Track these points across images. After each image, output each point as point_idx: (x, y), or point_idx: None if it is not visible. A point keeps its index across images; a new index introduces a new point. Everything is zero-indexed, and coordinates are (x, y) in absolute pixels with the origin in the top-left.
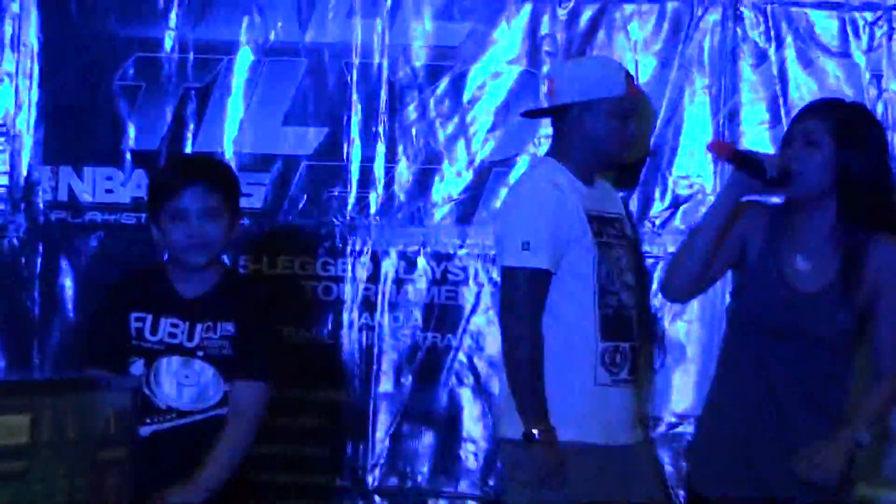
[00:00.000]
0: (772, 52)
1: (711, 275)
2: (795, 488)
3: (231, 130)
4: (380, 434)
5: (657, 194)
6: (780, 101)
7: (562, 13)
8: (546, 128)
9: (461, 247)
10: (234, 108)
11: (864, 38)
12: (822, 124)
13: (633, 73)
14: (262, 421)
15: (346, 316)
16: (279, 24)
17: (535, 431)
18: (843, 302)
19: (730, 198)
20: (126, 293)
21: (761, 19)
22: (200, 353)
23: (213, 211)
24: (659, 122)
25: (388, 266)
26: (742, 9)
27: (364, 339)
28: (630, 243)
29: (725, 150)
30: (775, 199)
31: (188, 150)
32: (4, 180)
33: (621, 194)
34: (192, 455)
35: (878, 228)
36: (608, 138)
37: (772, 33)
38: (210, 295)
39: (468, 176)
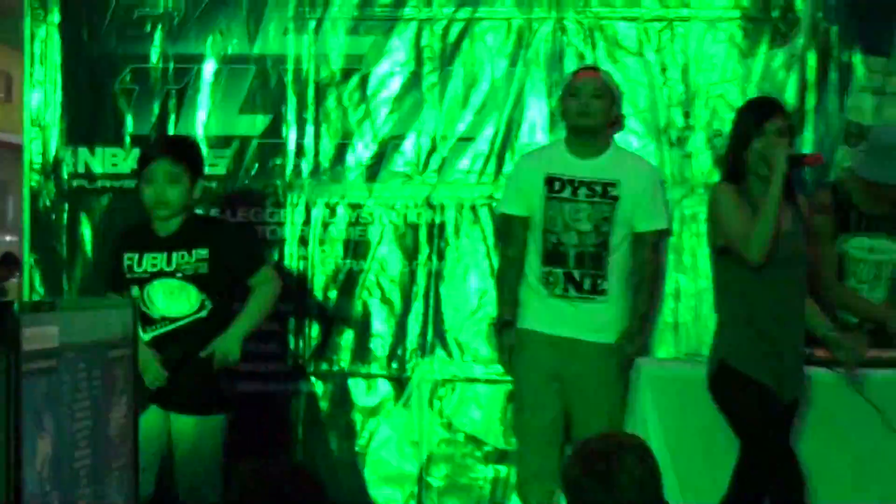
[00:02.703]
0: (588, 52)
1: None
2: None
3: (202, 118)
4: (314, 333)
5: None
6: None
7: (437, 29)
8: (428, 113)
9: (369, 199)
10: (203, 103)
11: (654, 41)
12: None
13: (488, 71)
14: (280, 286)
15: (287, 249)
16: (234, 41)
17: (502, 319)
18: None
19: (782, 177)
20: (120, 241)
21: (580, 29)
22: (179, 275)
23: (174, 176)
24: (506, 113)
25: (317, 213)
26: (566, 22)
27: (300, 265)
28: (610, 202)
29: (815, 159)
30: None
31: (167, 132)
32: (39, 158)
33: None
34: (184, 348)
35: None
36: (565, 114)
37: (588, 40)
38: (180, 232)
39: (373, 148)
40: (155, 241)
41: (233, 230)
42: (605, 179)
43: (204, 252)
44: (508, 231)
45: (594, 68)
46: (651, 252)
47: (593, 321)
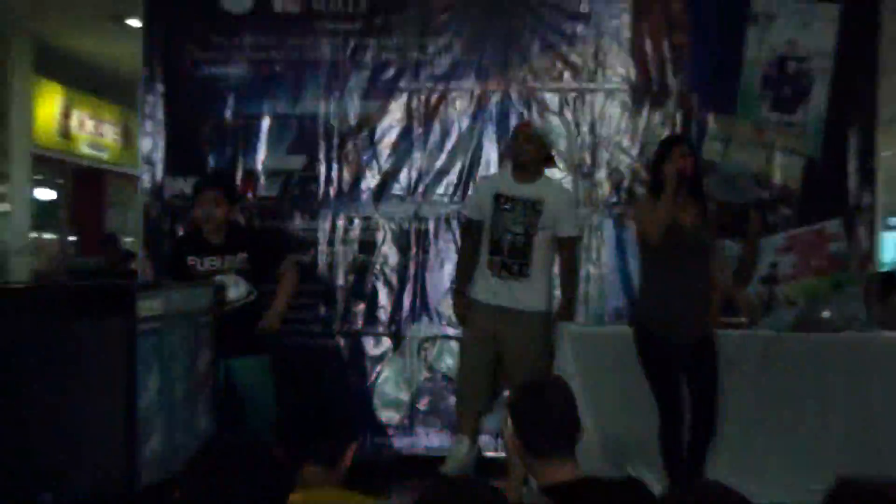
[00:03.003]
0: (525, 113)
1: None
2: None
3: (261, 157)
4: (339, 306)
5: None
6: None
7: (422, 97)
8: (416, 154)
9: (375, 213)
10: (262, 147)
11: (571, 105)
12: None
13: (457, 126)
14: (297, 276)
15: (319, 248)
16: (282, 104)
17: (457, 289)
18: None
19: (673, 183)
20: (179, 247)
21: (521, 97)
22: (231, 271)
23: (217, 201)
24: (470, 154)
25: (339, 223)
26: (511, 92)
27: (328, 259)
28: (537, 214)
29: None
30: None
31: (239, 169)
32: (149, 185)
33: None
34: (242, 322)
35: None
36: (510, 152)
37: (526, 104)
38: (227, 241)
39: (378, 178)
40: (210, 247)
41: (262, 236)
42: (534, 198)
43: (244, 254)
44: (468, 229)
45: (528, 123)
46: (569, 251)
47: (519, 295)
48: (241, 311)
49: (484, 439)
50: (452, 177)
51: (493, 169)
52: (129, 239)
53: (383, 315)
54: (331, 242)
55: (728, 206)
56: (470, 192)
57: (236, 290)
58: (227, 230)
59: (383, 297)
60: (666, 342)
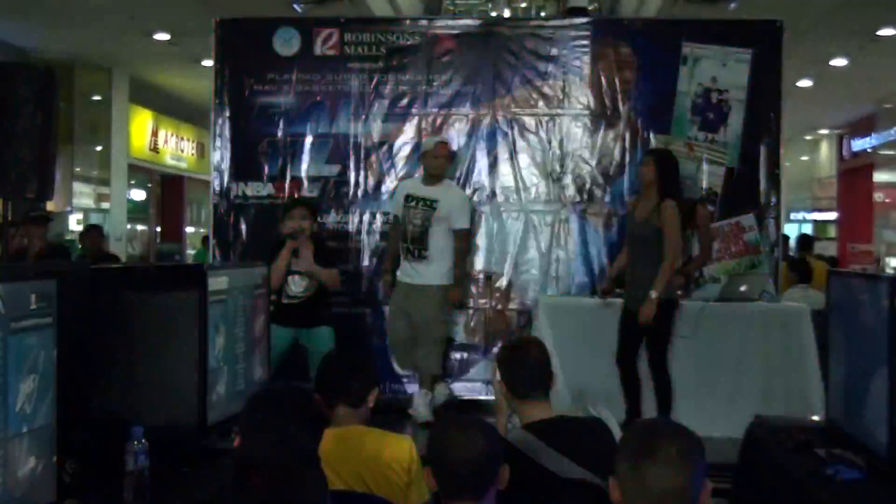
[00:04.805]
0: (509, 132)
1: None
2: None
3: (305, 167)
4: (364, 280)
5: None
6: (516, 158)
7: (429, 120)
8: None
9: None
10: (306, 158)
11: (545, 127)
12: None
13: (456, 142)
14: (337, 279)
15: (349, 237)
16: (322, 125)
17: (385, 270)
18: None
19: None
20: (273, 249)
21: (505, 120)
22: (304, 273)
23: (303, 215)
24: (466, 164)
25: (366, 218)
26: (497, 117)
27: (357, 246)
28: (431, 210)
29: None
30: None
31: (286, 174)
32: (218, 188)
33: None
34: (311, 305)
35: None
36: (424, 162)
37: (509, 125)
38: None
39: (395, 183)
40: (296, 254)
41: (324, 248)
42: (432, 198)
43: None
44: (394, 224)
45: (446, 142)
46: (461, 241)
47: (421, 273)
48: (310, 297)
49: (478, 385)
50: None
51: (485, 175)
52: (202, 231)
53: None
54: (358, 232)
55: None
56: (394, 195)
57: (296, 286)
58: (308, 237)
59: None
60: (626, 311)
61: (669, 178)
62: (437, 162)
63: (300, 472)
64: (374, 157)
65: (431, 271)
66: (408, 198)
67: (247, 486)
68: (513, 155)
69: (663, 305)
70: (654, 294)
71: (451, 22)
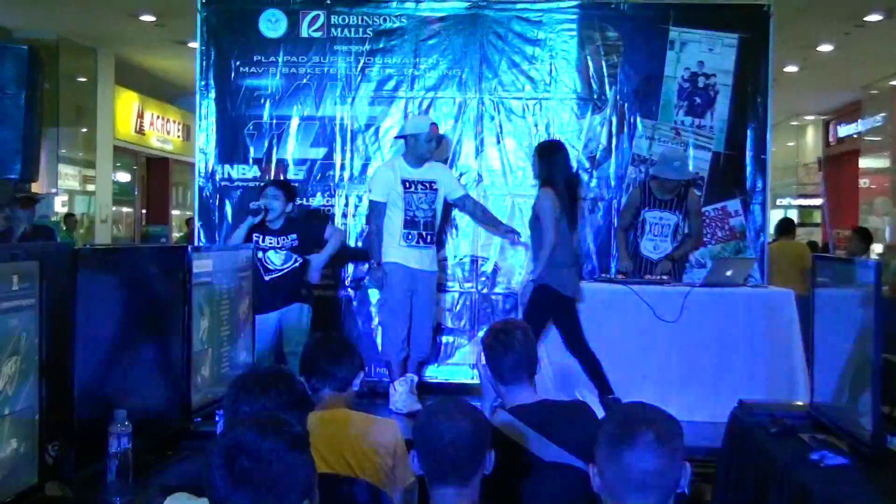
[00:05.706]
0: (496, 116)
1: None
2: None
3: (291, 149)
4: (350, 264)
5: None
6: (503, 141)
7: (416, 103)
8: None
9: None
10: (292, 141)
11: (532, 110)
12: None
13: (443, 125)
14: (343, 236)
15: (337, 218)
16: (308, 108)
17: (375, 261)
18: None
19: None
20: (250, 229)
21: (492, 103)
22: (285, 246)
23: (277, 196)
24: (452, 147)
25: (351, 199)
26: (484, 99)
27: (342, 227)
28: (434, 192)
29: None
30: None
31: (272, 157)
32: (203, 170)
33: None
34: (289, 281)
35: None
36: (416, 145)
37: (496, 109)
38: (282, 228)
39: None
40: (270, 231)
41: (309, 219)
42: (429, 179)
43: (294, 236)
44: (375, 210)
45: (435, 125)
46: (472, 203)
47: (429, 259)
48: (289, 273)
49: (464, 369)
50: None
51: (471, 158)
52: (188, 213)
53: None
54: (344, 215)
55: (664, 181)
56: (374, 179)
57: (277, 257)
58: (287, 217)
59: None
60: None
61: (546, 165)
62: (431, 146)
63: (287, 454)
64: (360, 140)
65: (433, 257)
66: (405, 183)
67: (233, 469)
68: (500, 138)
69: (537, 289)
70: (529, 277)
71: (437, 4)
